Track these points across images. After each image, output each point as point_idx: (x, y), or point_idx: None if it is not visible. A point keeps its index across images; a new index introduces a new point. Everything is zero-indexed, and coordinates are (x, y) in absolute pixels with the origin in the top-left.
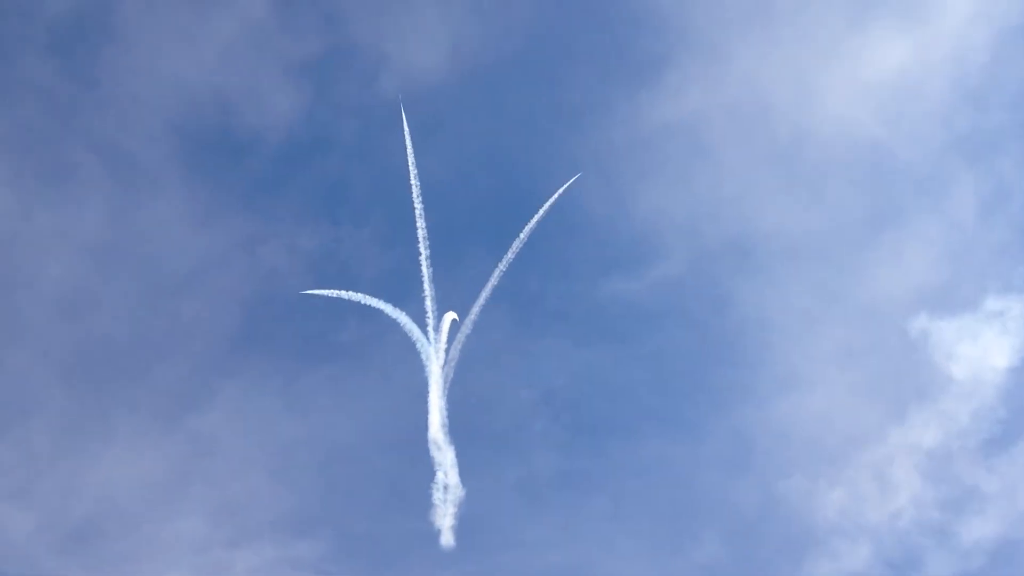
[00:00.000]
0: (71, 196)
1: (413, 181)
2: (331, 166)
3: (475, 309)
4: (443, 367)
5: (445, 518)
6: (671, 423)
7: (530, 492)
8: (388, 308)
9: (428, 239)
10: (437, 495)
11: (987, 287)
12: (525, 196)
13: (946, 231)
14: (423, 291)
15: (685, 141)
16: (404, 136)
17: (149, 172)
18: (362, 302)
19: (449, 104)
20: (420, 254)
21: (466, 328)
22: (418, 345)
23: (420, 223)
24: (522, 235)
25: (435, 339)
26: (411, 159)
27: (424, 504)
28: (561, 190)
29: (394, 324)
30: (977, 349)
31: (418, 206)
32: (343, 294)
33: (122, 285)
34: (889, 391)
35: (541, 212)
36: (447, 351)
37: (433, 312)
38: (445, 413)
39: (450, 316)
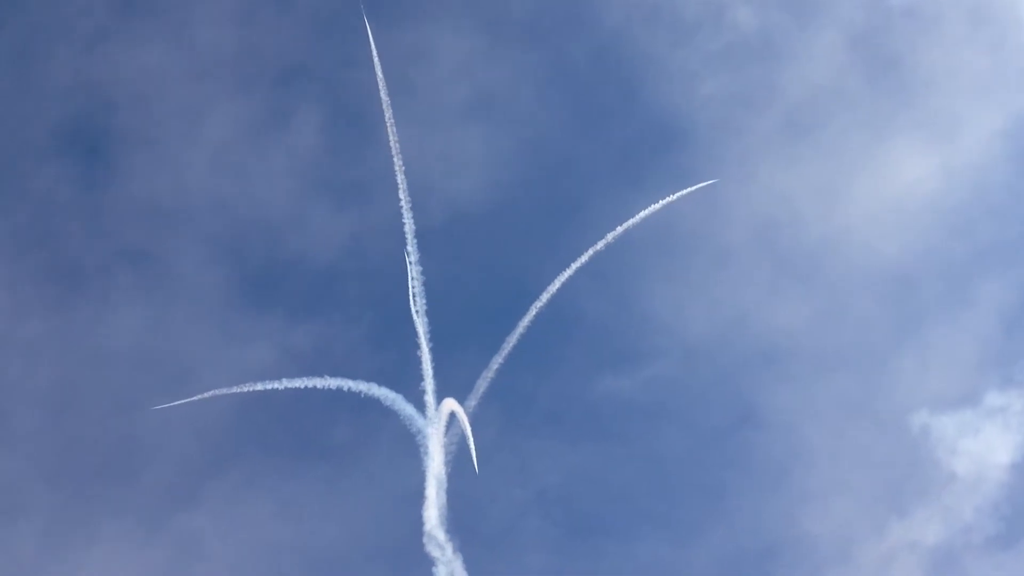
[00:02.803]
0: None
1: (412, 277)
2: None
3: (470, 406)
4: (444, 457)
5: None
6: (667, 524)
7: None
8: (385, 392)
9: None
10: None
11: (988, 382)
12: (520, 294)
13: (970, 342)
14: (421, 381)
15: (707, 249)
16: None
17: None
18: (355, 389)
19: (471, 227)
20: (419, 347)
21: (464, 420)
22: (416, 433)
23: (421, 319)
24: (522, 325)
25: (435, 426)
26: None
27: None
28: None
29: (388, 421)
30: (979, 445)
31: (419, 304)
32: (340, 383)
33: (109, 386)
34: (890, 487)
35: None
36: (446, 442)
37: (433, 398)
38: (444, 508)
39: (450, 404)
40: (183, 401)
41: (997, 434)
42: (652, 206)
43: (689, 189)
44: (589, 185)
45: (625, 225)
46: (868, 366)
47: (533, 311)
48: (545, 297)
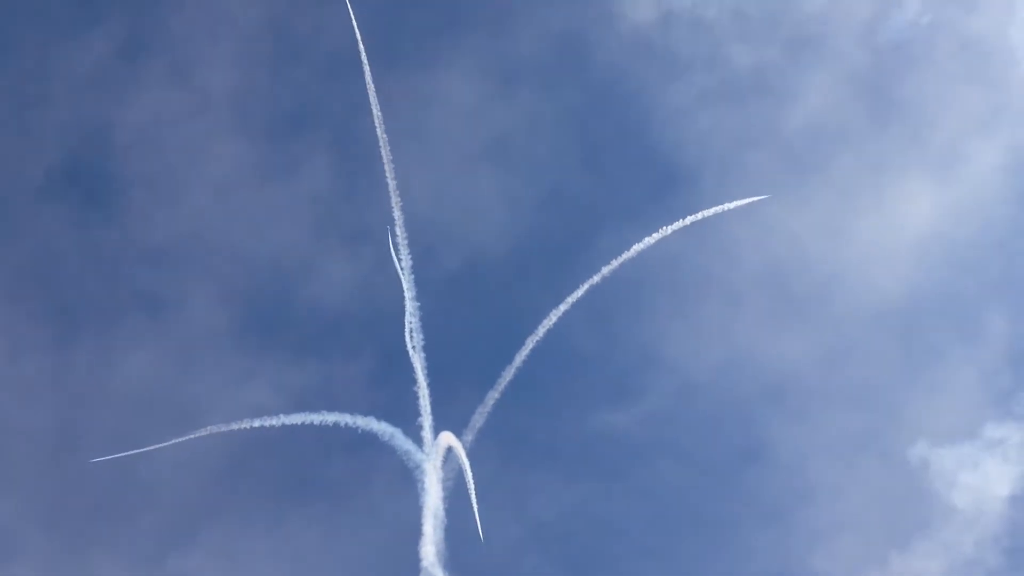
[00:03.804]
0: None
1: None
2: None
3: (467, 441)
4: (441, 492)
5: None
6: (665, 560)
7: None
8: (383, 427)
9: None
10: None
11: (986, 414)
12: (517, 329)
13: (972, 375)
14: (418, 417)
15: (708, 285)
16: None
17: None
18: (353, 424)
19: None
20: (416, 383)
21: (461, 454)
22: (414, 468)
23: (418, 355)
24: (518, 359)
25: (432, 461)
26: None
27: None
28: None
29: (384, 458)
30: (978, 478)
31: (416, 340)
32: (338, 419)
33: (105, 426)
34: (891, 521)
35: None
36: (443, 477)
37: (431, 433)
38: (441, 544)
39: (447, 437)
40: (133, 452)
41: (996, 467)
42: (647, 239)
43: (740, 203)
44: (587, 222)
45: (621, 259)
46: (871, 402)
47: (529, 345)
48: (542, 331)
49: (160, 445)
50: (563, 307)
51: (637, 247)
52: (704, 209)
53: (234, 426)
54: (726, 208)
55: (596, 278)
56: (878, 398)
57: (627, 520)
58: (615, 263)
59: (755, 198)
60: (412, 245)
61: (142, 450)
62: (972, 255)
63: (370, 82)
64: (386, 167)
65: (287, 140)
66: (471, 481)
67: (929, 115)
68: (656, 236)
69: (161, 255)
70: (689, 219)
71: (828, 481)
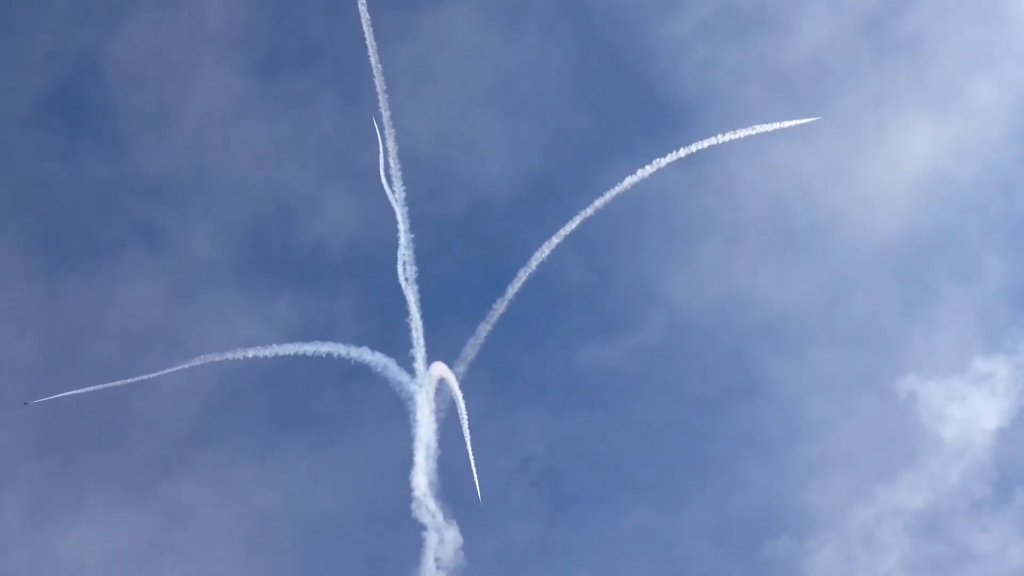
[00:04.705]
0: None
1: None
2: None
3: (459, 373)
4: (433, 423)
5: None
6: (652, 492)
7: (508, 562)
8: (376, 357)
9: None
10: (427, 565)
11: (975, 349)
12: (510, 261)
13: (972, 312)
14: (411, 348)
15: (700, 222)
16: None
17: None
18: (346, 355)
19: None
20: (409, 315)
21: (453, 383)
22: (406, 399)
23: (411, 287)
24: (510, 292)
25: (424, 391)
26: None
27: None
28: (782, 125)
29: (376, 389)
30: (966, 411)
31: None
32: (331, 349)
33: (96, 354)
34: (877, 453)
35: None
36: (435, 408)
37: (423, 365)
38: (433, 475)
39: (439, 368)
40: (122, 382)
41: (984, 400)
42: (640, 171)
43: (788, 123)
44: (582, 156)
45: (614, 191)
46: (865, 339)
47: (522, 278)
48: (534, 264)
49: (152, 375)
50: (555, 239)
51: (631, 179)
52: (701, 141)
53: (228, 355)
54: (773, 128)
55: (589, 210)
56: (871, 335)
57: (617, 454)
58: (608, 196)
59: (805, 119)
60: (407, 180)
61: (186, 365)
62: (972, 194)
63: (365, 14)
64: (379, 97)
65: (286, 75)
66: (464, 411)
67: (931, 52)
68: (650, 168)
69: (152, 186)
70: (683, 151)
71: (818, 416)
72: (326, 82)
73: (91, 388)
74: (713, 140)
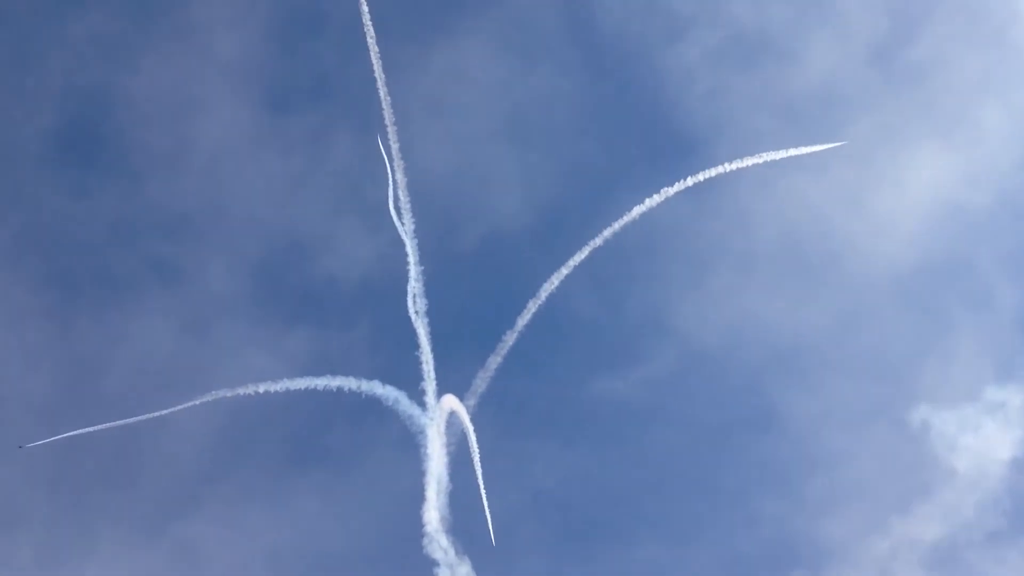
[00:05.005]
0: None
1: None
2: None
3: (469, 406)
4: (444, 456)
5: None
6: (663, 525)
7: None
8: (388, 391)
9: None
10: None
11: (987, 378)
12: (519, 292)
13: (984, 341)
14: (421, 381)
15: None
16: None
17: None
18: (357, 389)
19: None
20: (419, 348)
21: (464, 415)
22: (417, 433)
23: (421, 320)
24: (520, 324)
25: (435, 425)
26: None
27: None
28: (810, 150)
29: (386, 423)
30: (979, 441)
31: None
32: (343, 383)
33: (108, 391)
34: (891, 484)
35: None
36: (446, 441)
37: (434, 398)
38: (445, 510)
39: (450, 400)
40: (135, 419)
41: (997, 430)
42: (648, 200)
43: (814, 148)
44: (590, 186)
45: (622, 221)
46: (879, 369)
47: (531, 310)
48: (543, 295)
49: (162, 412)
50: (564, 270)
51: (639, 209)
52: (710, 169)
53: (239, 391)
54: (799, 152)
55: (598, 240)
56: (884, 365)
57: (629, 487)
58: (616, 225)
59: (831, 144)
60: (417, 213)
61: (197, 401)
62: (984, 222)
63: (374, 47)
64: (388, 129)
65: (298, 110)
66: (475, 444)
67: (939, 80)
68: (658, 198)
69: (165, 221)
70: (691, 180)
71: (831, 447)
72: (338, 117)
73: (98, 427)
74: (721, 168)
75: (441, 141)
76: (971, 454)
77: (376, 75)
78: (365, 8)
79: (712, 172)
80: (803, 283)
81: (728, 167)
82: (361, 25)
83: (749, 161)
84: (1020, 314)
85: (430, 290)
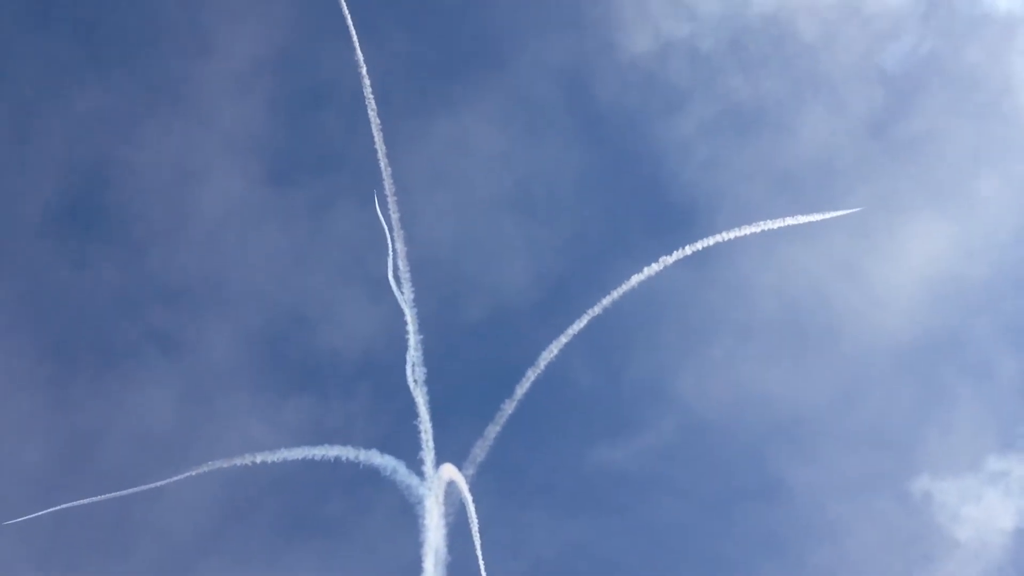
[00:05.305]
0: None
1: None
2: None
3: (468, 475)
4: (442, 528)
5: None
6: None
7: None
8: (386, 460)
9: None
10: None
11: (989, 447)
12: (518, 362)
13: (984, 409)
14: (419, 451)
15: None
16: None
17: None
18: (355, 458)
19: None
20: (418, 417)
21: (463, 485)
22: (415, 503)
23: (420, 389)
24: (519, 393)
25: (433, 495)
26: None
27: None
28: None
29: (383, 494)
30: (981, 511)
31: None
32: (340, 452)
33: (104, 463)
34: (893, 555)
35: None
36: (444, 511)
37: (432, 468)
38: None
39: (448, 470)
40: (127, 492)
41: (999, 500)
42: (647, 269)
43: (832, 214)
44: (587, 256)
45: (620, 290)
46: (879, 441)
47: (530, 378)
48: (542, 364)
49: (158, 483)
50: (563, 339)
51: (637, 278)
52: (708, 238)
53: (236, 461)
54: (821, 218)
55: (597, 309)
56: (885, 435)
57: (629, 557)
58: (615, 294)
59: (849, 210)
60: (417, 283)
61: (193, 472)
62: (983, 293)
63: (375, 120)
64: (389, 200)
65: (299, 182)
66: (473, 514)
67: (935, 151)
68: (656, 267)
69: (164, 292)
70: (688, 248)
71: (833, 518)
72: (339, 189)
73: (93, 499)
74: (720, 237)
75: (441, 212)
76: (973, 524)
77: (377, 146)
78: (367, 81)
79: (711, 240)
80: (802, 353)
81: (727, 235)
82: (363, 97)
83: (749, 229)
84: (1020, 384)
85: (429, 359)
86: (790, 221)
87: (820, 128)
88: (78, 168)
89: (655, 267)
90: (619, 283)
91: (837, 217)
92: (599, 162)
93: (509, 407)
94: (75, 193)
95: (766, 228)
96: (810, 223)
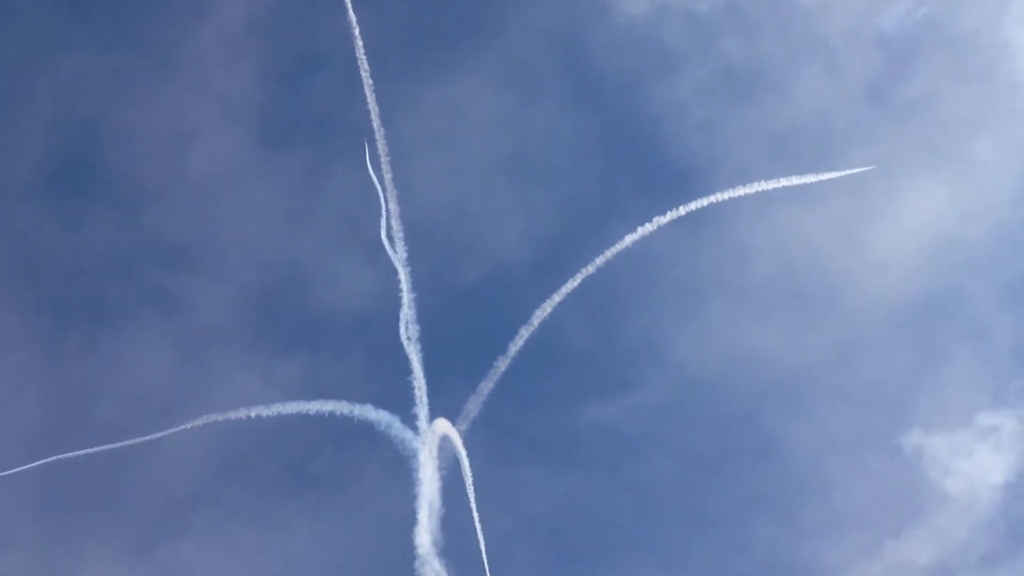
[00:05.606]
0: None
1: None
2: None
3: (461, 431)
4: (437, 480)
5: None
6: (654, 551)
7: None
8: (380, 415)
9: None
10: None
11: (980, 403)
12: (512, 319)
13: (985, 373)
14: (413, 407)
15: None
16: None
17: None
18: (349, 413)
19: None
20: (412, 373)
21: (457, 439)
22: (409, 457)
23: (413, 346)
24: (512, 350)
25: (427, 449)
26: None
27: None
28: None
29: (377, 448)
30: (972, 465)
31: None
32: (335, 407)
33: (99, 417)
34: (884, 509)
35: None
36: (438, 465)
37: (426, 422)
38: (437, 533)
39: (442, 425)
40: (156, 435)
41: (989, 455)
42: (640, 229)
43: (842, 173)
44: (583, 216)
45: (613, 249)
46: (871, 399)
47: (524, 335)
48: (536, 322)
49: (153, 436)
50: (557, 297)
51: (630, 237)
52: (702, 198)
53: (230, 415)
54: (830, 177)
55: (590, 268)
56: (880, 393)
57: (619, 513)
58: (608, 253)
59: (861, 168)
60: (410, 241)
61: (188, 425)
62: (980, 254)
63: (368, 80)
64: (381, 160)
65: (292, 143)
66: (467, 468)
67: (934, 113)
68: (650, 227)
69: (158, 250)
70: (682, 209)
71: (825, 474)
72: (333, 151)
73: (88, 451)
74: (713, 198)
75: (436, 174)
76: (964, 478)
77: (370, 106)
78: (360, 43)
79: (704, 201)
80: (797, 313)
81: (722, 196)
82: (356, 60)
83: (744, 190)
84: (1014, 342)
85: (423, 317)
86: (798, 180)
87: (817, 91)
88: (71, 128)
89: (649, 227)
90: (613, 243)
91: (834, 179)
92: (594, 125)
93: (502, 364)
94: (68, 153)
95: (762, 189)
96: (806, 184)
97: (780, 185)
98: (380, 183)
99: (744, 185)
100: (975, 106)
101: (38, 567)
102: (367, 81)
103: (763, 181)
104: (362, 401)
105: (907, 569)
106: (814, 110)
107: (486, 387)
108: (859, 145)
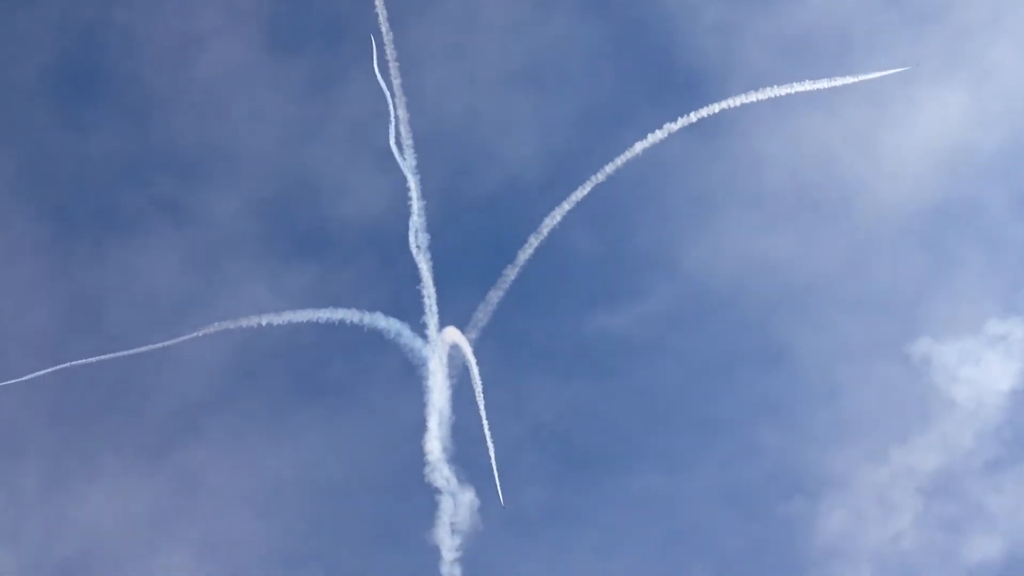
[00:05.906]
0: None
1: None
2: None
3: (471, 339)
4: (446, 387)
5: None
6: (662, 456)
7: (518, 527)
8: (390, 322)
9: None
10: (442, 528)
11: (989, 311)
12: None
13: (996, 281)
14: (422, 315)
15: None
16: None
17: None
18: (359, 321)
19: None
20: (421, 281)
21: (466, 347)
22: (419, 365)
23: (423, 255)
24: (521, 258)
25: (437, 356)
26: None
27: (418, 540)
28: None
29: (387, 355)
30: (979, 372)
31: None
32: (345, 315)
33: (109, 325)
34: (890, 415)
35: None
36: (448, 372)
37: (436, 330)
38: (447, 440)
39: (452, 333)
40: (128, 352)
41: (998, 362)
42: (651, 136)
43: (882, 73)
44: (594, 123)
45: (624, 156)
46: (881, 306)
47: (534, 244)
48: (545, 230)
49: (164, 343)
50: (566, 205)
51: (641, 144)
52: (715, 104)
53: (241, 322)
54: (864, 79)
55: (600, 176)
56: (890, 301)
57: (627, 419)
58: (619, 161)
59: (899, 68)
60: (420, 149)
61: (200, 333)
62: (994, 163)
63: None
64: (390, 65)
65: (304, 49)
66: (477, 376)
67: (954, 20)
68: (660, 133)
69: (165, 157)
70: (694, 115)
71: (833, 381)
72: (343, 57)
73: (99, 358)
74: (726, 104)
75: (447, 82)
76: (971, 385)
77: (378, 10)
78: None
79: (716, 107)
80: (810, 221)
81: (734, 101)
82: None
83: (758, 96)
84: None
85: (433, 226)
86: (812, 86)
87: None
88: (75, 30)
89: (659, 134)
90: (623, 150)
91: (848, 85)
92: (606, 30)
93: (512, 272)
94: (74, 58)
95: (776, 94)
96: (821, 90)
97: (794, 90)
98: (389, 89)
99: (757, 90)
100: (995, 10)
101: (51, 474)
102: None
103: (777, 86)
104: (372, 309)
105: (912, 474)
106: (831, 13)
107: (495, 295)
108: (876, 50)
